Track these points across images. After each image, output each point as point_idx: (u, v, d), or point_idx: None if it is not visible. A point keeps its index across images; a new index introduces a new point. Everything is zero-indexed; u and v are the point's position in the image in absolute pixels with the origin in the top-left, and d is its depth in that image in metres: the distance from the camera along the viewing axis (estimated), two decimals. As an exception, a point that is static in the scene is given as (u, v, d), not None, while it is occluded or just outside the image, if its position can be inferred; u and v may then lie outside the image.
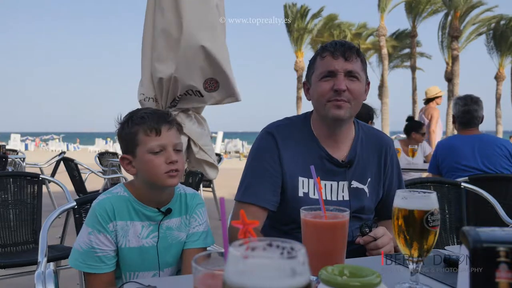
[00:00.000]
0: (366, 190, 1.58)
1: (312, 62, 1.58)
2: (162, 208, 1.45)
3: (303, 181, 1.53)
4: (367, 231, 1.35)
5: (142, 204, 1.43)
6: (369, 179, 1.59)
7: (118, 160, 6.16)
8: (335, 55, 1.48)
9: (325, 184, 1.54)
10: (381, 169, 1.63)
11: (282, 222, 1.57)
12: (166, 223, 1.45)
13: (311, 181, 1.52)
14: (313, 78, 1.56)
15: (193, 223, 1.49)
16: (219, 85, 2.55)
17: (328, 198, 1.53)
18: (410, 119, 5.25)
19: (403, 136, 5.40)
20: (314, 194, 1.52)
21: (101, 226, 1.37)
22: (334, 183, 1.54)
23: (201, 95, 2.54)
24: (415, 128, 5.10)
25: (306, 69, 1.68)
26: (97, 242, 1.36)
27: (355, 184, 1.56)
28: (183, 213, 1.49)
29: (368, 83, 1.58)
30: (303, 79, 1.68)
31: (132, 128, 1.40)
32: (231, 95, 2.60)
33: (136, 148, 1.40)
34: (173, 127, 1.42)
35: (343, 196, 1.55)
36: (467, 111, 3.22)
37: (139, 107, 2.42)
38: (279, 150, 1.54)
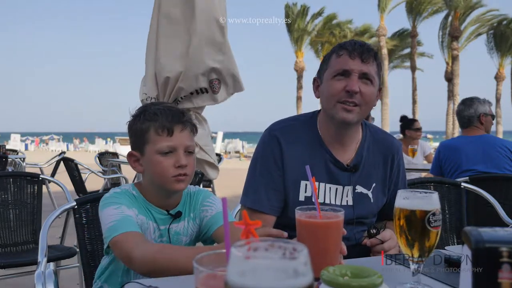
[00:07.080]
0: (370, 195, 1.54)
1: (327, 58, 1.51)
2: (172, 211, 1.35)
3: (306, 184, 1.48)
4: (374, 233, 1.34)
5: (151, 205, 1.35)
6: (373, 184, 1.55)
7: (118, 160, 6.14)
8: (352, 55, 1.42)
9: (330, 188, 1.50)
10: (387, 174, 1.58)
11: (283, 225, 1.54)
12: (174, 228, 1.37)
13: (316, 184, 1.48)
14: (325, 75, 1.49)
15: (209, 211, 1.40)
16: (221, 86, 2.53)
17: (332, 202, 1.49)
18: (402, 118, 5.27)
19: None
20: (318, 198, 1.49)
21: (129, 202, 1.27)
22: (339, 187, 1.51)
23: (207, 92, 2.52)
24: (407, 125, 5.11)
25: (313, 66, 1.63)
26: (129, 212, 1.25)
27: (359, 188, 1.52)
28: (188, 212, 1.41)
29: (379, 89, 1.51)
30: (315, 75, 1.59)
31: (143, 124, 1.30)
32: (234, 89, 2.57)
33: (145, 145, 1.31)
34: (187, 127, 1.33)
35: (347, 201, 1.51)
36: (456, 113, 3.43)
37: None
38: (282, 154, 1.50)
